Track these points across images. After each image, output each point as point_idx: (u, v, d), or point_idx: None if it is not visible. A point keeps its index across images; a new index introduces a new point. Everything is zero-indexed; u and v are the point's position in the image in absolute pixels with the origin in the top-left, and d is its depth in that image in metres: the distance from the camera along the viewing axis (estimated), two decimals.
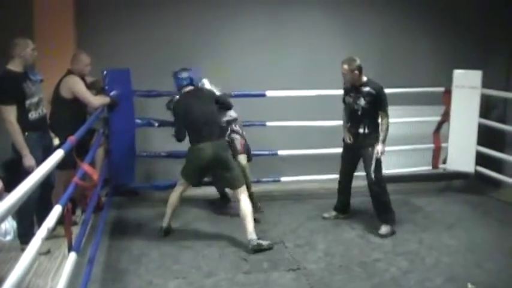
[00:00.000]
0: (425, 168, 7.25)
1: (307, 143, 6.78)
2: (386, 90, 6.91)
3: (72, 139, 3.59)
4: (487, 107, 7.32)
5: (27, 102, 4.64)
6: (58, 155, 3.05)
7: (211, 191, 6.33)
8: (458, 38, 7.54)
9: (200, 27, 6.81)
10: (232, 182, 5.24)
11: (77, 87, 5.38)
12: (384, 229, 5.53)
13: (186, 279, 4.43)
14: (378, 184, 5.56)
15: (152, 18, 6.71)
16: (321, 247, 5.16)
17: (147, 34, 6.70)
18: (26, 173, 2.45)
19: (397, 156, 7.17)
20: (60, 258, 4.53)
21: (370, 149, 5.53)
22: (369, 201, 5.73)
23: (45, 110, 4.94)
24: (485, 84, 6.79)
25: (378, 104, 5.55)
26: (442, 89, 7.08)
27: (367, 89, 5.52)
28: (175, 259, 4.83)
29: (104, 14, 6.55)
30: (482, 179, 7.13)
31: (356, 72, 5.49)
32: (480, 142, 6.94)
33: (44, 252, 4.56)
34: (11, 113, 4.53)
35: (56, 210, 2.90)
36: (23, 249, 4.43)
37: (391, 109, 7.23)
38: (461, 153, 6.99)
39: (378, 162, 5.54)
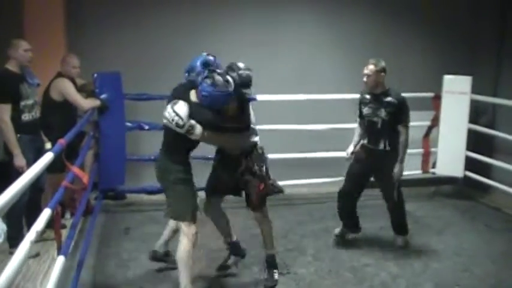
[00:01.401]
0: (415, 172, 7.28)
1: (298, 147, 6.78)
2: None
3: (61, 142, 3.57)
4: (476, 113, 7.36)
5: (22, 103, 4.67)
6: (48, 157, 3.04)
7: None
8: (448, 43, 7.59)
9: (191, 31, 6.80)
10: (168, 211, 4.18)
11: (67, 89, 5.37)
12: (400, 240, 5.38)
13: (174, 283, 4.42)
14: (401, 205, 5.31)
15: (143, 21, 6.71)
16: (311, 252, 5.16)
17: (138, 37, 6.69)
18: (16, 175, 2.42)
19: None
20: (49, 262, 4.51)
21: (392, 170, 5.01)
22: (359, 206, 5.73)
23: (38, 113, 4.94)
24: (474, 89, 6.83)
25: (399, 116, 4.96)
26: (431, 94, 7.11)
27: (388, 99, 4.94)
28: (165, 264, 4.81)
29: (94, 17, 6.53)
30: (471, 184, 7.17)
31: (382, 74, 4.97)
32: (469, 147, 6.98)
33: (33, 255, 4.54)
34: (5, 111, 4.55)
35: (46, 214, 2.88)
36: (11, 253, 4.43)
37: None
38: (451, 158, 7.02)
39: (399, 183, 5.16)
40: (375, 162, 5.09)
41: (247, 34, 6.96)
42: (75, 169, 3.84)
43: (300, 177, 6.76)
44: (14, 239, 4.65)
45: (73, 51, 5.87)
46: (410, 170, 7.24)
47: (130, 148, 6.35)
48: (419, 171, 7.30)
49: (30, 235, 2.41)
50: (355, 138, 5.31)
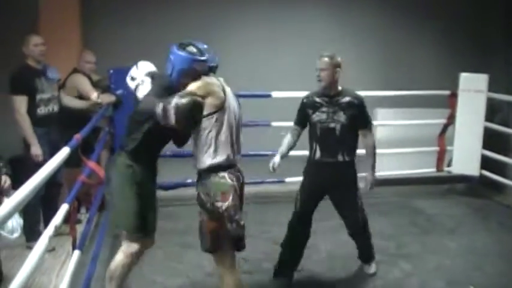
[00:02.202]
0: (430, 170, 7.25)
1: (305, 144, 6.77)
2: (392, 93, 6.98)
3: (77, 137, 3.62)
4: (492, 111, 7.32)
5: (38, 97, 4.78)
6: (64, 152, 3.07)
7: None
8: (461, 40, 7.55)
9: (205, 26, 6.81)
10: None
11: (81, 85, 5.44)
12: (373, 267, 4.66)
13: (189, 278, 4.45)
14: (365, 228, 4.55)
15: (157, 16, 6.74)
16: (324, 248, 5.17)
17: (153, 32, 6.71)
18: (33, 169, 2.45)
19: (401, 158, 7.17)
20: (64, 256, 4.56)
21: (354, 189, 4.32)
22: (371, 204, 5.70)
23: (56, 107, 5.01)
24: (489, 87, 6.79)
25: (362, 118, 4.27)
26: (447, 92, 7.08)
27: (347, 99, 4.19)
28: (179, 259, 4.85)
29: (109, 13, 6.58)
30: (486, 183, 7.13)
31: (338, 69, 4.20)
32: (485, 146, 6.94)
33: (49, 250, 4.60)
34: (21, 103, 4.68)
35: (64, 209, 2.92)
36: (28, 247, 4.50)
37: (397, 111, 7.29)
38: (467, 156, 6.99)
39: (361, 202, 4.41)
40: (333, 179, 4.25)
41: (255, 30, 6.97)
42: (91, 164, 3.88)
43: None
44: (31, 233, 4.73)
45: (88, 46, 5.93)
46: (425, 168, 7.25)
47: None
48: (433, 170, 7.27)
49: (49, 230, 2.45)
50: (283, 148, 4.43)
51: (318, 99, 4.24)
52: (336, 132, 4.15)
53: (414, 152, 7.11)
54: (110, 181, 3.49)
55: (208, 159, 3.29)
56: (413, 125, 7.18)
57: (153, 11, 6.75)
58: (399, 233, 5.62)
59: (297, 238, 4.44)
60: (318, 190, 4.33)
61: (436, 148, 7.22)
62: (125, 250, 3.48)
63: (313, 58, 6.77)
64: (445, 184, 7.50)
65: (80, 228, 4.34)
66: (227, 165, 3.31)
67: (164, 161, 6.64)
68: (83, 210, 5.65)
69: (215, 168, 3.28)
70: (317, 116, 4.20)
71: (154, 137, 3.48)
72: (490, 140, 7.05)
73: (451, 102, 7.08)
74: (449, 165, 7.22)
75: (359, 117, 4.23)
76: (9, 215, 1.80)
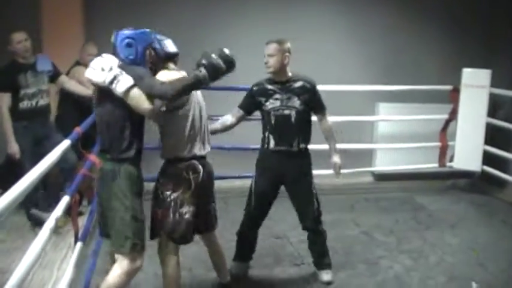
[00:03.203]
0: (431, 166, 7.24)
1: (312, 139, 6.75)
2: (394, 87, 6.96)
3: (77, 130, 3.62)
4: (494, 106, 7.30)
5: (22, 92, 4.88)
6: (64, 144, 3.07)
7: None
8: (466, 36, 7.51)
9: (209, 24, 6.80)
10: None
11: (82, 78, 5.43)
12: (329, 275, 4.38)
13: (190, 271, 4.45)
14: (321, 226, 4.39)
15: (161, 14, 6.70)
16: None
17: (156, 24, 6.67)
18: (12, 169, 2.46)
19: (403, 153, 7.17)
20: (66, 249, 4.56)
21: (309, 180, 4.24)
22: (373, 198, 5.73)
23: (42, 101, 5.05)
24: (493, 83, 6.77)
25: (317, 102, 4.19)
26: (449, 87, 7.06)
27: (299, 83, 4.08)
28: (181, 252, 4.83)
29: (112, 6, 6.55)
30: (488, 179, 7.11)
31: (287, 55, 4.05)
32: (487, 141, 6.93)
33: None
34: (3, 100, 4.79)
35: (64, 201, 2.92)
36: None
37: (399, 106, 7.27)
38: (469, 152, 6.97)
39: (317, 196, 4.31)
40: (289, 169, 4.13)
41: (263, 25, 6.93)
42: (92, 157, 3.88)
43: (312, 168, 6.73)
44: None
45: (91, 39, 5.91)
46: (427, 163, 7.25)
47: (147, 136, 6.36)
48: (435, 165, 7.26)
49: (50, 222, 2.45)
50: (217, 124, 4.11)
51: (269, 87, 4.08)
52: (292, 119, 4.04)
53: (416, 147, 7.10)
54: (109, 195, 3.14)
55: (170, 151, 3.45)
56: (415, 120, 7.16)
57: (157, 3, 6.72)
58: (400, 228, 5.62)
59: (248, 240, 4.42)
60: (273, 183, 4.19)
61: (438, 143, 7.21)
62: (128, 268, 3.15)
63: (320, 54, 6.78)
64: (447, 180, 7.49)
65: (81, 221, 4.36)
66: (188, 158, 3.39)
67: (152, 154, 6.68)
68: (84, 202, 5.65)
69: (175, 160, 3.42)
70: (270, 104, 4.06)
71: (141, 133, 3.36)
72: (493, 135, 7.03)
73: (453, 97, 7.06)
74: (451, 160, 7.20)
75: (313, 102, 4.15)
76: (4, 211, 1.79)
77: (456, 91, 6.99)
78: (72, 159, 4.82)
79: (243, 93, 4.31)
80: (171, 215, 3.38)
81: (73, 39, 6.01)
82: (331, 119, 4.31)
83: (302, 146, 4.12)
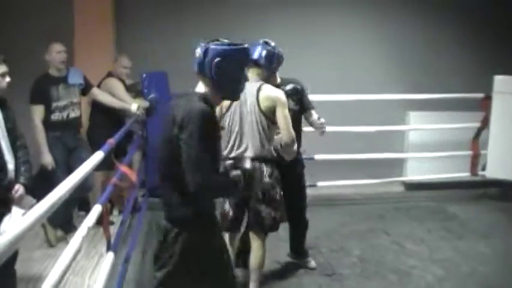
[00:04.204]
0: (463, 175, 7.15)
1: (341, 148, 6.73)
2: (424, 96, 6.91)
3: (111, 141, 3.66)
4: None
5: (53, 104, 4.98)
6: (98, 156, 3.12)
7: None
8: (497, 42, 7.43)
9: (234, 28, 6.84)
10: None
11: (116, 90, 5.52)
12: (312, 261, 4.70)
13: None
14: (303, 213, 4.59)
15: (189, 20, 6.79)
16: (356, 253, 5.13)
17: (184, 36, 6.76)
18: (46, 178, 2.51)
19: (434, 162, 7.11)
20: (97, 258, 4.62)
21: (302, 174, 4.55)
22: (404, 208, 5.67)
23: (73, 113, 5.13)
24: None
25: (306, 102, 4.36)
26: (481, 95, 6.98)
27: (290, 86, 4.21)
28: None
29: (142, 15, 6.67)
30: None
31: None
32: None
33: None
34: (36, 112, 4.90)
35: (96, 210, 2.96)
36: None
37: (430, 115, 7.21)
38: (501, 160, 6.86)
39: (305, 185, 4.55)
40: (288, 168, 4.07)
41: (288, 33, 6.95)
42: (123, 167, 3.92)
43: (343, 178, 6.71)
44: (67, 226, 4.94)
45: (122, 50, 6.01)
46: (459, 172, 7.16)
47: None
48: (467, 174, 7.17)
49: (82, 230, 2.49)
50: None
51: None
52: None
53: (447, 156, 7.02)
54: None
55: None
56: (447, 129, 7.08)
57: (186, 15, 6.81)
58: (432, 237, 5.55)
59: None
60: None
61: (470, 152, 7.12)
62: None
63: (348, 62, 6.76)
64: (479, 189, 7.38)
65: (112, 230, 4.40)
66: (230, 158, 3.75)
67: None
68: (115, 212, 5.72)
69: (224, 158, 3.71)
70: None
71: None
72: None
73: (484, 105, 6.97)
74: (483, 169, 7.10)
75: (304, 101, 4.35)
76: (36, 223, 1.81)
77: (488, 99, 6.90)
78: (90, 180, 4.86)
79: None
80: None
81: (104, 51, 6.14)
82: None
83: (298, 144, 4.09)
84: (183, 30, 6.79)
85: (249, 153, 3.72)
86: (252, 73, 3.70)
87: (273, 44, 4.00)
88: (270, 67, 3.90)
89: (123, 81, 5.68)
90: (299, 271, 4.68)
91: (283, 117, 3.67)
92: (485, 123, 7.00)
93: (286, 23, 7.07)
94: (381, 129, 6.66)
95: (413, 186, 7.35)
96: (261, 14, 6.98)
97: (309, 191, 6.66)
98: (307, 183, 6.44)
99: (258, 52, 3.84)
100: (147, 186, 6.13)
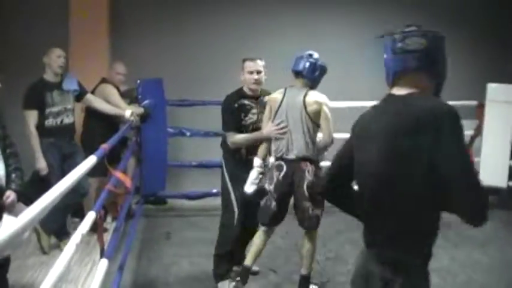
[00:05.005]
0: None
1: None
2: None
3: (104, 147, 3.64)
4: None
5: (47, 110, 4.96)
6: (91, 161, 3.08)
7: None
8: (491, 51, 7.45)
9: (231, 35, 6.85)
10: None
11: (111, 96, 5.50)
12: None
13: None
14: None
15: (184, 27, 6.79)
16: (352, 260, 5.06)
17: (180, 43, 6.78)
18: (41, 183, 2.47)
19: None
20: (90, 265, 4.58)
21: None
22: None
23: (67, 119, 5.11)
24: None
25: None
26: (474, 103, 6.99)
27: (267, 98, 4.31)
28: (206, 269, 4.83)
29: (137, 22, 6.67)
30: None
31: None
32: None
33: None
34: (30, 117, 4.88)
35: (90, 217, 2.92)
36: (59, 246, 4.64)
37: None
38: (494, 168, 6.86)
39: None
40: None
41: (287, 39, 6.97)
42: (117, 173, 3.90)
43: None
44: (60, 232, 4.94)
45: (117, 56, 6.00)
46: None
47: (172, 154, 6.42)
48: None
49: (76, 238, 2.45)
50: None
51: (247, 102, 4.32)
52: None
53: None
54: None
55: None
56: None
57: (183, 20, 6.81)
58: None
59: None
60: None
61: None
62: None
63: (344, 69, 6.72)
64: None
65: (106, 237, 4.37)
66: (276, 157, 4.15)
67: (189, 171, 6.73)
68: (109, 219, 5.68)
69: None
70: (249, 119, 4.31)
71: None
72: None
73: (478, 113, 6.97)
74: None
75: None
76: (27, 227, 1.77)
77: (481, 107, 6.91)
78: (85, 186, 4.85)
79: None
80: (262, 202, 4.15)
81: (99, 58, 6.13)
82: None
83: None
84: (179, 37, 6.79)
85: (295, 153, 4.08)
86: (298, 82, 4.18)
87: (316, 55, 4.24)
88: (312, 77, 4.19)
89: (117, 87, 5.67)
90: (295, 278, 4.64)
91: (325, 119, 4.09)
92: (478, 131, 7.01)
93: (286, 28, 7.08)
94: None
95: None
96: (258, 19, 6.99)
97: None
98: None
99: (302, 64, 4.16)
100: (142, 193, 6.11)
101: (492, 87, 6.77)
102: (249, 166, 4.28)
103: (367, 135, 2.11)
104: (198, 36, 6.82)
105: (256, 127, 4.30)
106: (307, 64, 4.17)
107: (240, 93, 4.34)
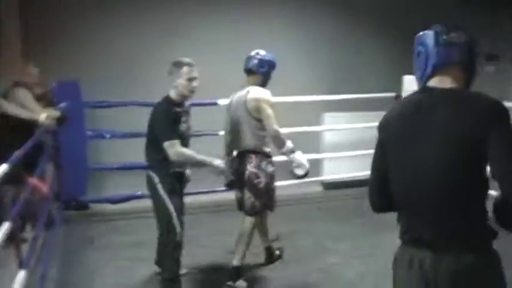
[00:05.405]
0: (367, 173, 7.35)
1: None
2: (338, 97, 7.06)
3: (18, 153, 3.49)
4: None
5: None
6: (1, 169, 2.94)
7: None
8: (405, 44, 7.66)
9: (150, 36, 6.74)
10: None
11: (24, 100, 5.28)
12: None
13: None
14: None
15: (100, 28, 6.62)
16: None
17: (96, 44, 6.61)
18: None
19: (350, 161, 7.25)
20: (9, 276, 4.38)
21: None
22: (325, 207, 5.72)
23: None
24: None
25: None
26: (393, 94, 7.20)
27: (187, 104, 4.19)
28: (131, 274, 4.73)
29: (51, 24, 6.43)
30: None
31: None
32: None
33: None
34: None
35: (3, 228, 2.80)
36: None
37: (344, 115, 7.37)
38: None
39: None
40: (184, 186, 4.35)
41: (212, 40, 6.93)
42: (33, 180, 3.75)
43: None
44: None
45: (30, 59, 5.78)
46: (364, 171, 7.34)
47: (94, 157, 6.26)
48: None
49: None
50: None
51: (178, 109, 4.01)
52: (189, 139, 4.17)
53: (363, 154, 7.17)
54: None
55: None
56: (361, 128, 7.25)
57: (96, 23, 6.63)
58: (353, 235, 5.65)
59: None
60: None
61: None
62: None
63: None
64: None
65: (26, 247, 4.20)
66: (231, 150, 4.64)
67: (112, 174, 6.57)
68: (28, 228, 5.46)
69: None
70: (182, 127, 4.02)
71: None
72: None
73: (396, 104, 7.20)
74: None
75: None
76: None
77: (398, 98, 7.13)
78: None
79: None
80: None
81: (11, 59, 5.88)
82: None
83: None
84: (94, 37, 6.62)
85: (243, 146, 4.47)
86: (250, 80, 4.57)
87: (262, 52, 4.64)
88: (261, 72, 4.58)
89: (32, 90, 5.45)
90: (218, 279, 4.60)
91: (264, 115, 4.34)
92: None
93: (209, 30, 7.01)
94: (297, 130, 6.71)
95: (331, 186, 7.48)
96: (178, 21, 6.90)
97: (228, 195, 6.65)
98: (224, 187, 6.44)
99: (251, 62, 4.57)
100: (62, 199, 5.93)
101: (408, 79, 7.01)
102: (183, 177, 4.17)
103: (414, 129, 2.12)
104: (115, 37, 6.67)
105: (186, 136, 4.06)
106: (255, 61, 4.55)
107: (171, 100, 4.00)
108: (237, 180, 4.53)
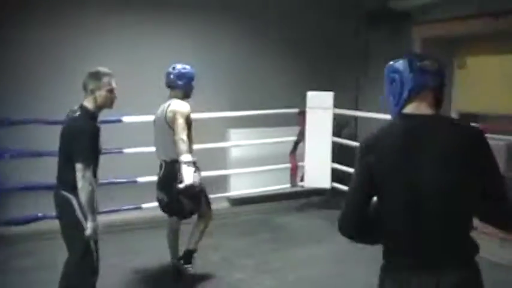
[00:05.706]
0: (285, 186, 7.44)
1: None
2: (243, 113, 7.10)
3: None
4: (341, 125, 7.71)
5: None
6: None
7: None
8: (311, 62, 7.87)
9: (47, 49, 6.44)
10: None
11: None
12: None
13: None
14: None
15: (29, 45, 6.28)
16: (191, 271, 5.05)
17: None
18: None
19: (256, 177, 7.29)
20: None
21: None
22: (232, 223, 5.70)
23: None
24: (339, 103, 7.19)
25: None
26: (296, 110, 7.36)
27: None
28: None
29: None
30: (338, 194, 7.41)
31: None
32: (334, 159, 7.27)
33: None
34: None
35: None
36: None
37: (250, 131, 7.42)
38: (318, 170, 7.26)
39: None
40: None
41: (114, 58, 6.72)
42: None
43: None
44: None
45: None
46: (280, 184, 7.44)
47: None
48: (288, 185, 7.48)
49: None
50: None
51: (98, 125, 3.71)
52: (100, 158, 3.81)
53: (268, 169, 7.26)
54: None
55: None
56: (266, 144, 7.33)
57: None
58: (261, 250, 5.67)
59: None
60: None
61: (289, 165, 7.43)
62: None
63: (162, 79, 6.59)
64: (301, 198, 7.73)
65: None
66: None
67: (13, 195, 6.20)
68: None
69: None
70: (100, 144, 3.73)
71: None
72: (340, 153, 7.39)
73: (300, 120, 7.36)
74: (302, 180, 7.45)
75: None
76: None
77: (302, 114, 7.29)
78: None
79: None
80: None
81: None
82: None
83: None
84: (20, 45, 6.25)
85: (168, 156, 4.71)
86: (171, 94, 4.79)
87: (179, 66, 4.84)
88: (180, 85, 4.76)
89: None
90: None
91: (176, 125, 4.53)
92: (301, 136, 7.39)
93: (109, 49, 6.80)
94: (203, 147, 6.66)
95: (238, 202, 7.48)
96: (76, 34, 6.64)
97: (135, 214, 6.52)
98: (132, 205, 6.32)
99: (169, 77, 4.79)
100: None
101: (311, 95, 7.22)
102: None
103: (411, 153, 2.15)
104: (11, 51, 6.33)
105: (100, 153, 3.76)
106: (171, 76, 4.76)
107: (89, 113, 3.67)
108: (163, 187, 4.82)
